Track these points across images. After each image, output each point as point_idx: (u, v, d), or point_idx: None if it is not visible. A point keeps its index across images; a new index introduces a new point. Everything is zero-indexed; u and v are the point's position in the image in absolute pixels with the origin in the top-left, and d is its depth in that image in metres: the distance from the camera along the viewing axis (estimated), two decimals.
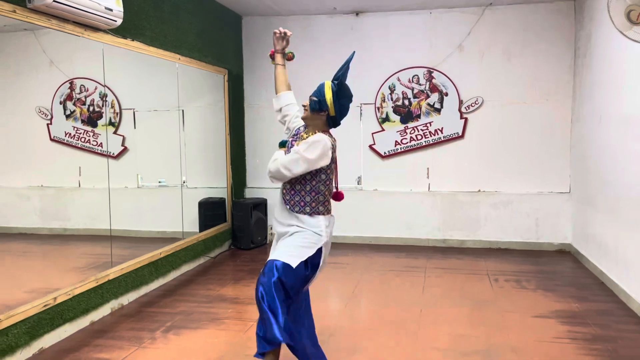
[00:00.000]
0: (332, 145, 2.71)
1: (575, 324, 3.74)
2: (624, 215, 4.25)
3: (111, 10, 3.75)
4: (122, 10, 3.86)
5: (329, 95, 2.68)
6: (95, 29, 3.82)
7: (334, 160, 2.73)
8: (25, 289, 3.62)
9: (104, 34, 3.96)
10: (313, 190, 2.69)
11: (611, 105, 4.63)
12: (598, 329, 3.64)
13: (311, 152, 2.59)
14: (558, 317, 3.89)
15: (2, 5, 3.05)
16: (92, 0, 3.56)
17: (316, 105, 2.69)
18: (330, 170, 2.73)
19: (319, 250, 2.66)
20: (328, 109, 2.69)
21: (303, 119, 2.82)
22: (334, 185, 2.83)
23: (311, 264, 2.65)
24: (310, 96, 2.72)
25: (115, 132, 4.71)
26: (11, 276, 3.65)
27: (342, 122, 2.80)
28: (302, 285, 2.67)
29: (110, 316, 4.01)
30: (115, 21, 3.85)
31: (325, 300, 4.40)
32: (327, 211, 2.76)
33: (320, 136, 2.64)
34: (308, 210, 2.68)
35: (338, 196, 2.82)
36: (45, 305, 3.40)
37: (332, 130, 2.83)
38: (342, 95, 2.72)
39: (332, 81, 2.73)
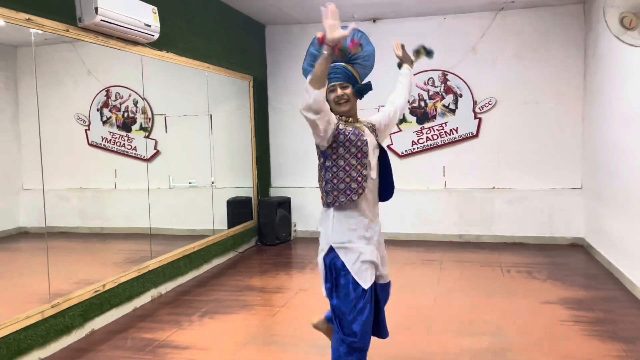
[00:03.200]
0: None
1: (580, 309, 4.00)
2: (632, 207, 4.48)
3: (150, 26, 4.15)
4: (159, 25, 4.26)
5: (353, 70, 2.49)
6: (135, 43, 4.23)
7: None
8: (73, 280, 4.02)
9: (143, 47, 4.36)
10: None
11: (618, 103, 4.86)
12: (601, 314, 3.90)
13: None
14: (564, 303, 4.15)
15: (57, 25, 3.47)
16: (133, 17, 3.96)
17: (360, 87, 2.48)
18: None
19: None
20: (357, 81, 2.49)
21: (346, 112, 2.47)
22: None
23: None
24: (340, 85, 2.44)
25: (148, 137, 5.07)
26: (59, 269, 4.04)
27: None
28: None
29: (151, 303, 4.41)
30: (153, 36, 4.25)
31: None
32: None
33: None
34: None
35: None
36: (95, 292, 3.81)
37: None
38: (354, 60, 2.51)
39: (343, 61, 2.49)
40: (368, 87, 2.51)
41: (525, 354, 3.24)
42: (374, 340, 3.42)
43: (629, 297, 4.27)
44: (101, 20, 3.63)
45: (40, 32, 3.37)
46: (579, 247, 6.08)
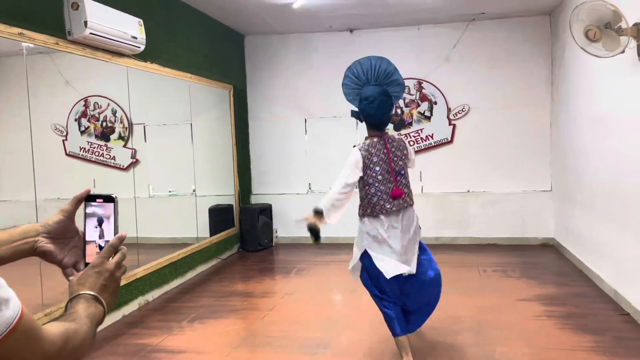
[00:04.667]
0: (363, 155, 3.11)
1: (553, 305, 4.23)
2: (597, 207, 4.76)
3: (136, 38, 4.24)
4: (144, 37, 4.35)
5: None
6: (121, 54, 4.31)
7: (368, 167, 3.10)
8: (59, 290, 4.04)
9: (128, 59, 4.44)
10: (363, 196, 3.18)
11: (583, 109, 5.15)
12: (573, 308, 4.14)
13: (343, 173, 3.11)
14: (538, 299, 4.38)
15: (47, 39, 3.54)
16: (121, 30, 4.05)
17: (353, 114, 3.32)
18: (368, 176, 3.10)
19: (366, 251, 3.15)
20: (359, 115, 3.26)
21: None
22: (384, 187, 3.10)
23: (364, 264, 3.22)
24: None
25: (125, 146, 5.06)
26: (40, 281, 4.06)
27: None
28: (385, 283, 3.11)
29: (139, 310, 4.47)
30: (139, 47, 4.34)
31: (331, 293, 4.88)
32: (374, 214, 3.11)
33: (352, 153, 3.16)
34: (360, 213, 3.20)
35: (395, 195, 3.12)
36: None
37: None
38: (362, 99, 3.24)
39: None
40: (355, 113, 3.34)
41: (504, 347, 3.44)
42: (356, 339, 3.59)
43: (598, 292, 4.53)
44: (90, 33, 3.71)
45: (32, 45, 3.43)
46: (549, 247, 6.36)
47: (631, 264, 3.96)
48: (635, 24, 3.61)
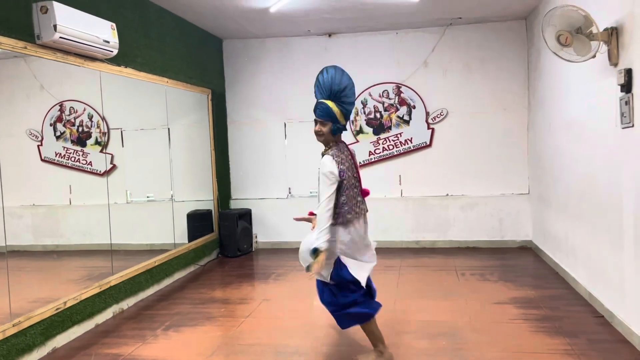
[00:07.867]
0: (337, 161, 3.10)
1: (529, 308, 4.25)
2: (571, 210, 4.80)
3: (108, 42, 4.18)
4: (117, 41, 4.29)
5: (336, 109, 3.13)
6: (93, 59, 4.24)
7: (344, 171, 3.12)
8: (30, 300, 3.96)
9: (101, 63, 4.38)
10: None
11: (558, 113, 5.20)
12: (548, 311, 4.16)
13: (324, 188, 3.06)
14: (515, 302, 4.40)
15: (15, 43, 3.47)
16: (92, 34, 3.98)
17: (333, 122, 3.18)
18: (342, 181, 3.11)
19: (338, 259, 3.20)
20: (337, 121, 3.15)
21: (321, 142, 3.26)
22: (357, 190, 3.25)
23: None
24: (321, 122, 3.16)
25: (102, 151, 4.96)
26: (14, 288, 3.96)
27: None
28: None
29: (113, 319, 4.39)
30: (112, 52, 4.28)
31: (309, 299, 4.83)
32: (346, 222, 3.15)
33: (324, 161, 3.10)
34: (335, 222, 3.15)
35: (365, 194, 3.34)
36: (57, 309, 3.78)
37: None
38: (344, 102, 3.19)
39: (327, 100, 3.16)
40: (343, 128, 3.20)
41: (478, 351, 3.44)
42: (336, 342, 3.56)
43: (574, 294, 4.56)
44: (60, 37, 3.65)
45: None
46: (527, 250, 6.41)
47: (604, 266, 3.99)
48: (606, 29, 3.65)
